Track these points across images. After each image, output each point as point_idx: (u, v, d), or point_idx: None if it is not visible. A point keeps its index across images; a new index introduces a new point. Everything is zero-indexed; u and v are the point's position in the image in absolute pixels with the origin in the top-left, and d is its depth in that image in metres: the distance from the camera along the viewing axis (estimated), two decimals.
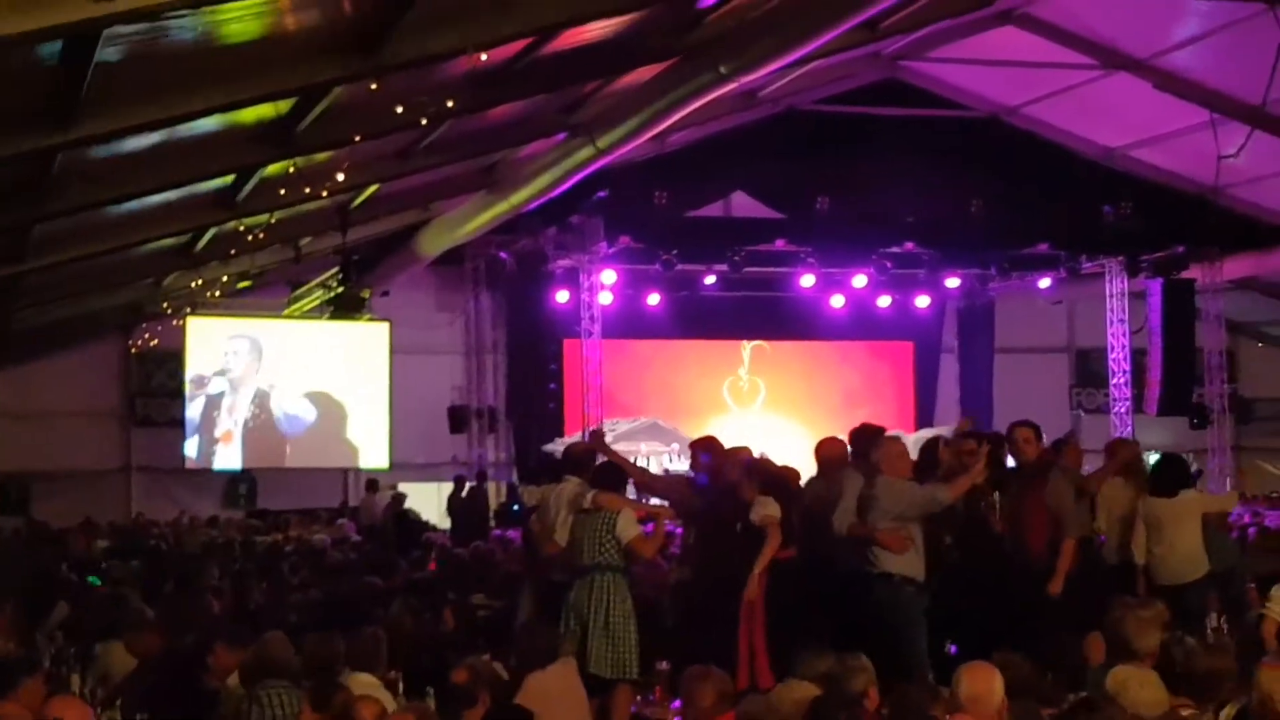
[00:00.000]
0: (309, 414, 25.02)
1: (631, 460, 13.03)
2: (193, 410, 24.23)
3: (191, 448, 24.42)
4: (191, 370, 24.33)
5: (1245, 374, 30.14)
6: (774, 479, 10.24)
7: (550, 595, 10.09)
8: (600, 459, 10.76)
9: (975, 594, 9.75)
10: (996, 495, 10.43)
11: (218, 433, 24.50)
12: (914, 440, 23.69)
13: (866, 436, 10.19)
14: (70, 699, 7.24)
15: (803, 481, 10.77)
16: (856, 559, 9.44)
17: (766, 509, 9.68)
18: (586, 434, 11.97)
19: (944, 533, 9.98)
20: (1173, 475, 11.08)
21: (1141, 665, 7.03)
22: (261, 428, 24.74)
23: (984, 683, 6.41)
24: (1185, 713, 6.67)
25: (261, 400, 24.67)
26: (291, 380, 24.90)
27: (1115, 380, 27.63)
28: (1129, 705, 6.43)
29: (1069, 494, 10.38)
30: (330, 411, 25.16)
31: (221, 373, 24.35)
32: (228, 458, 24.78)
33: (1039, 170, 24.87)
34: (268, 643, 7.97)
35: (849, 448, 10.40)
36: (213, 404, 24.37)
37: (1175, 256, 25.51)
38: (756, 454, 11.05)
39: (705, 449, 10.74)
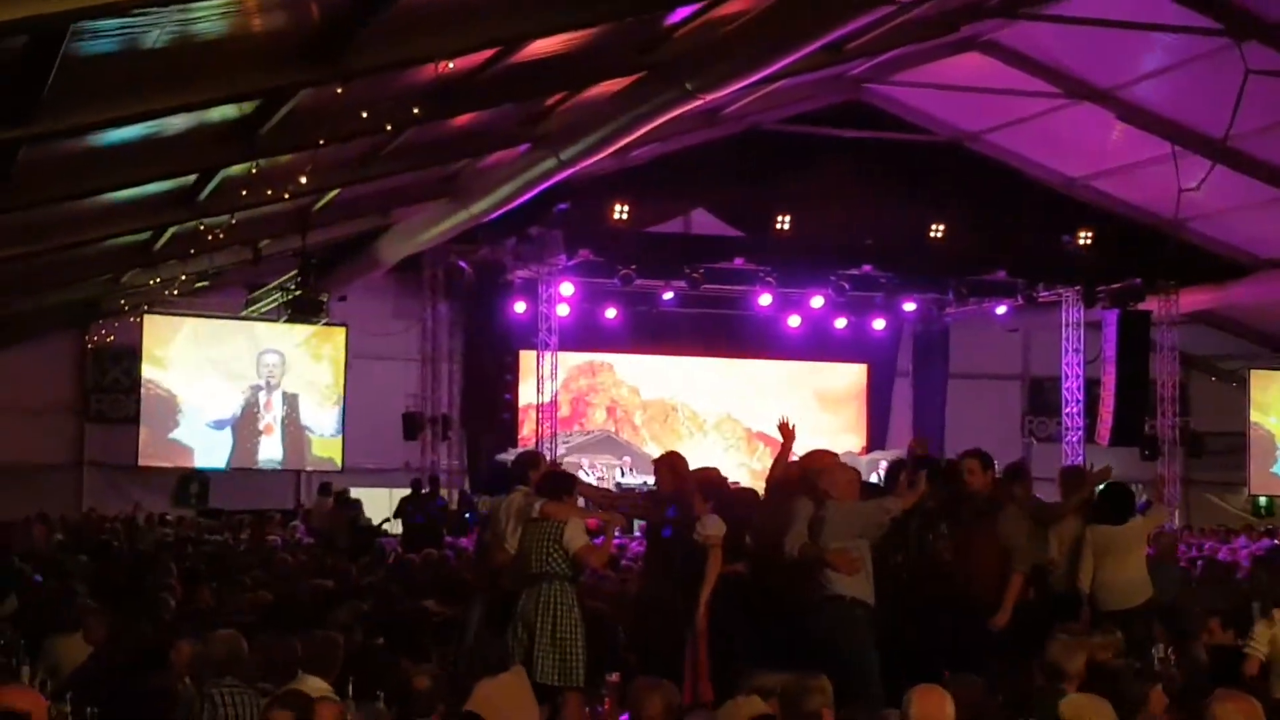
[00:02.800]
0: (331, 416, 25.88)
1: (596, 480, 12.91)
2: (221, 411, 25.23)
3: (222, 446, 25.15)
4: (148, 369, 24.47)
5: (1197, 407, 30.31)
6: (728, 500, 10.19)
7: (501, 604, 9.97)
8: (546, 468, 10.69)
9: (922, 622, 9.75)
10: (945, 526, 10.37)
11: (260, 425, 25.43)
12: (866, 462, 23.93)
13: (816, 464, 10.12)
14: (23, 688, 7.19)
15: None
16: (807, 582, 9.41)
17: (708, 528, 9.60)
18: (548, 452, 11.61)
19: (894, 552, 9.97)
20: (1118, 503, 11.13)
21: (1084, 691, 7.08)
22: (293, 426, 25.69)
23: (935, 706, 6.35)
24: None
25: (291, 402, 25.59)
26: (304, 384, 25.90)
27: (1068, 409, 27.81)
28: None
29: (1022, 528, 10.37)
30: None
31: (262, 386, 25.42)
32: (270, 449, 25.57)
33: (999, 197, 25.04)
34: (218, 640, 7.95)
35: (801, 473, 10.29)
36: (250, 404, 25.31)
37: (1132, 288, 25.70)
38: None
39: (667, 467, 10.54)
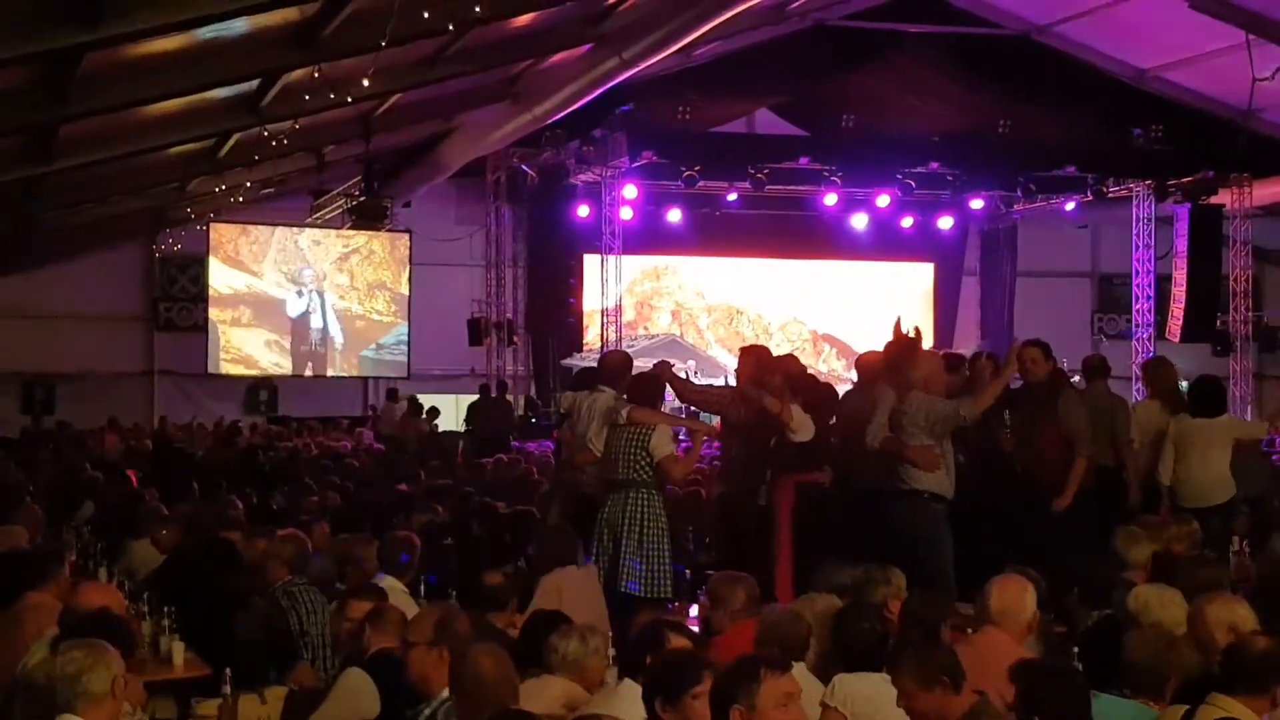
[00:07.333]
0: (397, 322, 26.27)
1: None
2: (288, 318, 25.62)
3: (290, 354, 25.68)
4: (216, 276, 24.76)
5: (1270, 301, 29.83)
6: (816, 393, 10.08)
7: (578, 505, 9.75)
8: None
9: (986, 513, 9.65)
10: (1007, 414, 10.22)
11: (325, 333, 25.90)
12: None
13: (903, 351, 9.94)
14: (100, 585, 7.31)
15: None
16: (886, 475, 9.33)
17: (801, 430, 9.47)
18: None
19: (958, 450, 9.86)
20: (1210, 397, 10.91)
21: (1156, 582, 7.02)
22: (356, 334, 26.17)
23: (1016, 596, 6.33)
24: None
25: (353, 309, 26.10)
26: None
27: (1138, 306, 27.53)
28: (1150, 625, 6.40)
29: (1083, 413, 10.25)
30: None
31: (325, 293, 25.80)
32: (336, 356, 26.08)
33: (1068, 91, 24.55)
34: (284, 540, 8.06)
35: (887, 361, 10.10)
36: (316, 311, 25.79)
37: (1204, 181, 25.27)
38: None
39: (753, 358, 10.33)
